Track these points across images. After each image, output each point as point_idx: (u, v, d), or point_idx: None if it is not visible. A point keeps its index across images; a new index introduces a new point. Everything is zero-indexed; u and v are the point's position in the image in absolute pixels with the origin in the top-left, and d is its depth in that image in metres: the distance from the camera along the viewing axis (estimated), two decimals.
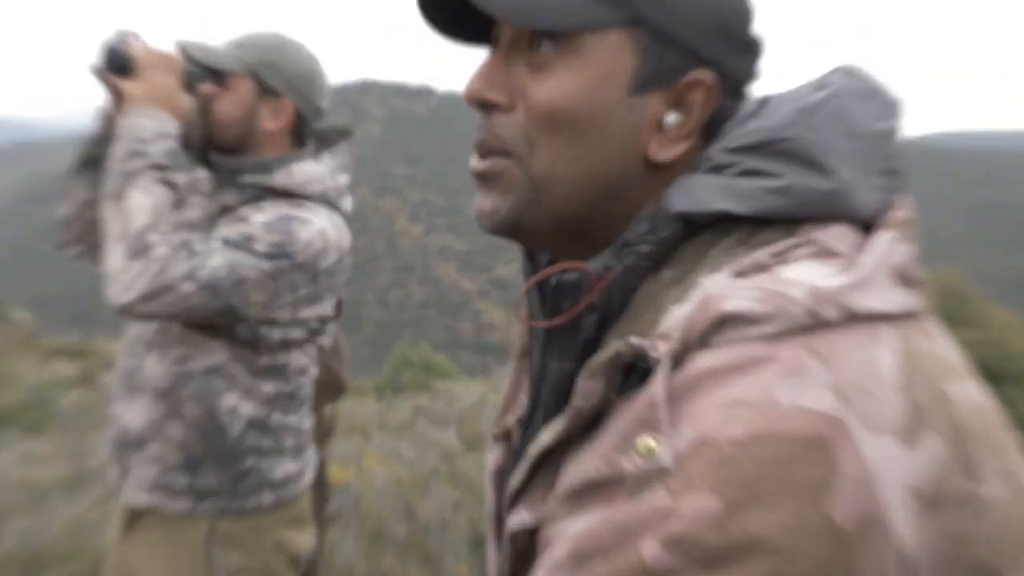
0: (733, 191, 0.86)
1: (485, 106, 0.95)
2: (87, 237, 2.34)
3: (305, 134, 2.35)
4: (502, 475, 1.10)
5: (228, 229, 2.09)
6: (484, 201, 0.97)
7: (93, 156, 2.26)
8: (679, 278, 0.87)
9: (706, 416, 0.72)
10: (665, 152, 0.92)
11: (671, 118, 0.92)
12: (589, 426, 0.83)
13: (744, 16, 0.94)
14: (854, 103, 0.91)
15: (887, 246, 0.82)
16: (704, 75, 0.91)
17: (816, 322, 0.75)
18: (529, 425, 1.02)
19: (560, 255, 1.01)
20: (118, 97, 2.16)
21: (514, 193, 0.94)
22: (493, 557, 1.05)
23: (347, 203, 2.38)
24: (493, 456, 1.13)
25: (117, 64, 2.12)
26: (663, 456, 0.72)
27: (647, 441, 0.74)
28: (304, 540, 2.35)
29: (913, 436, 0.72)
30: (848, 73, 0.95)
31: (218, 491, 2.21)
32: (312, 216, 2.18)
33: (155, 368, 2.22)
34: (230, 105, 2.23)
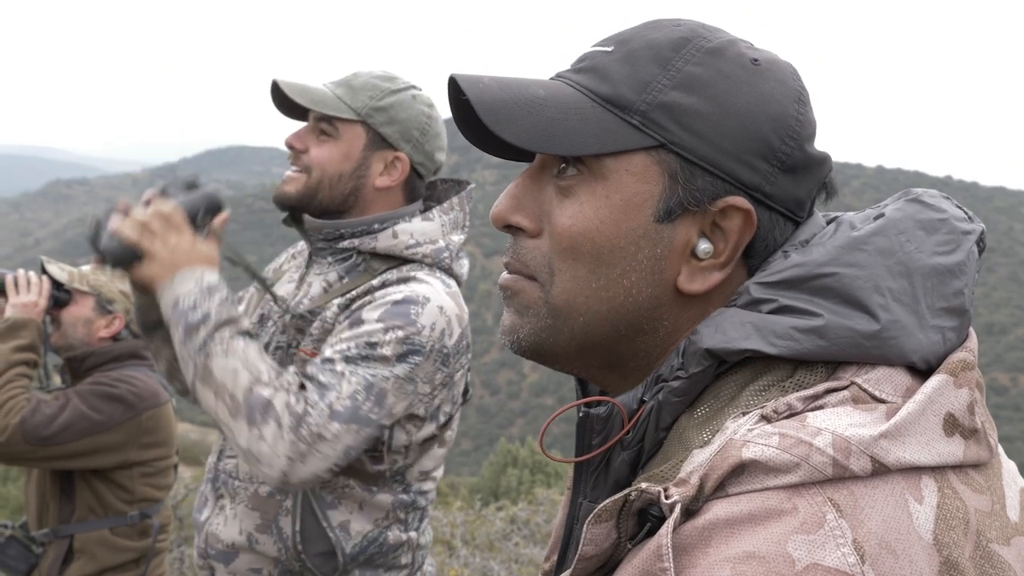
0: (765, 329, 0.95)
1: (512, 228, 1.07)
2: None
3: (419, 191, 2.42)
4: None
5: (343, 343, 2.18)
6: (505, 317, 1.09)
7: (152, 321, 2.36)
8: (709, 418, 0.96)
9: (715, 571, 0.81)
10: (697, 283, 1.02)
11: (703, 246, 1.01)
12: (607, 572, 0.91)
13: (794, 134, 1.02)
14: (913, 235, 0.99)
15: (937, 392, 0.91)
16: (738, 199, 1.00)
17: (842, 474, 0.84)
18: (560, 565, 1.14)
19: (598, 383, 1.11)
20: (142, 286, 2.25)
21: (532, 316, 1.06)
22: None
23: (462, 266, 2.44)
24: None
25: (123, 258, 2.20)
26: None
27: None
28: None
29: None
30: (912, 200, 1.04)
31: None
32: (425, 289, 2.24)
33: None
34: (338, 155, 2.31)
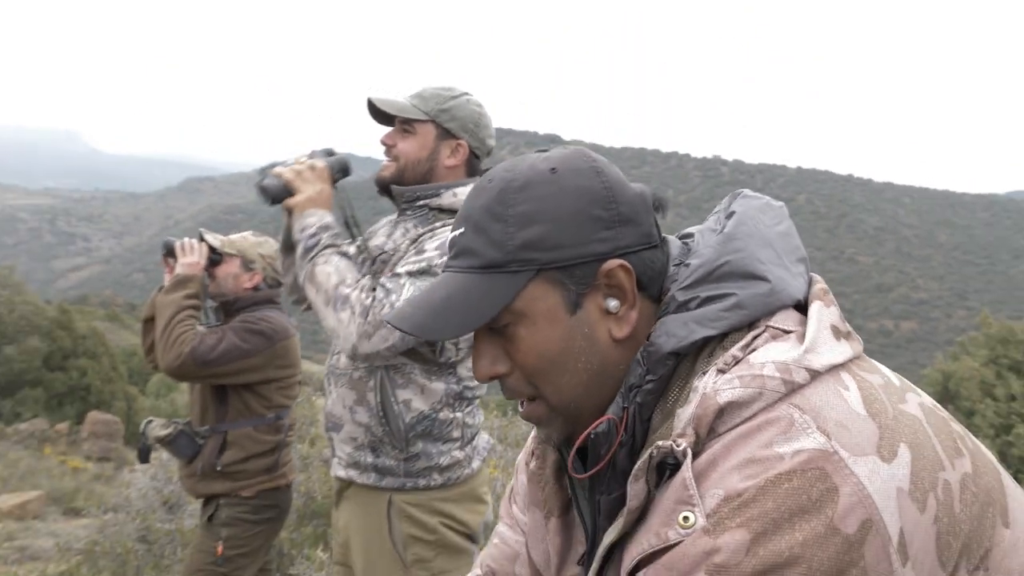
0: (702, 320, 0.99)
1: (495, 377, 1.09)
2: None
3: (477, 169, 2.55)
4: None
5: (409, 263, 2.30)
6: (539, 432, 1.12)
7: (290, 241, 2.53)
8: (682, 389, 0.99)
9: (726, 477, 0.87)
10: (625, 328, 1.03)
11: (612, 304, 1.03)
12: (638, 519, 0.95)
13: (610, 199, 1.03)
14: (758, 218, 1.05)
15: (820, 314, 0.98)
16: (610, 263, 1.01)
17: (792, 387, 0.90)
18: (594, 553, 1.09)
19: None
20: (290, 212, 2.45)
21: (552, 423, 1.07)
22: None
23: None
24: None
25: (278, 193, 2.42)
26: (699, 520, 0.86)
27: (685, 514, 0.87)
28: (474, 518, 2.52)
29: (888, 450, 0.88)
30: (743, 196, 1.10)
31: (395, 470, 2.42)
32: None
33: (348, 362, 2.46)
34: (417, 146, 2.44)
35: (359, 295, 2.23)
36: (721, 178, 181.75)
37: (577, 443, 1.04)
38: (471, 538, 2.52)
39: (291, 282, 2.66)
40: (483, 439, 2.62)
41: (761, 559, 0.83)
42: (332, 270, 2.28)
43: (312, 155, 2.51)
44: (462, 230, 1.06)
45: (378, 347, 2.21)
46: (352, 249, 2.39)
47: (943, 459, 0.93)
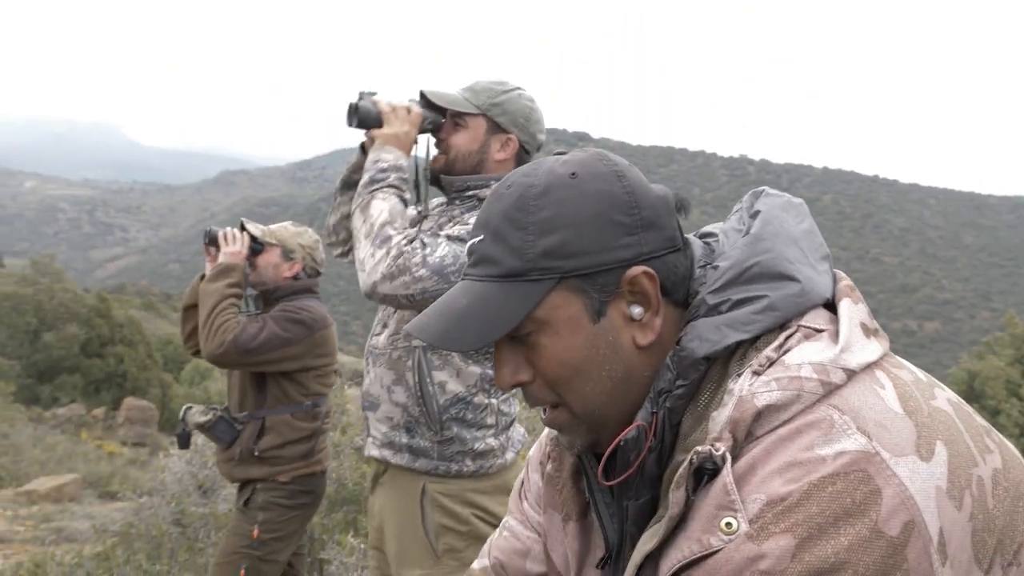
0: (735, 323, 0.95)
1: (518, 385, 1.04)
2: (348, 240, 2.62)
3: (526, 163, 2.50)
4: None
5: (450, 229, 2.29)
6: (562, 439, 1.07)
7: (352, 180, 2.52)
8: (714, 393, 0.95)
9: (768, 482, 0.84)
10: (649, 335, 0.99)
11: (636, 311, 0.98)
12: (676, 526, 0.91)
13: (631, 204, 0.98)
14: (783, 217, 1.02)
15: (849, 312, 0.96)
16: (633, 270, 0.97)
17: (830, 388, 0.88)
18: (618, 558, 1.07)
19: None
20: (370, 140, 2.43)
21: (575, 430, 1.03)
22: None
23: None
24: None
25: (368, 119, 2.41)
26: (742, 526, 0.83)
27: (728, 520, 0.84)
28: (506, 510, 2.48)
29: (927, 449, 0.86)
30: (766, 195, 1.06)
31: (428, 452, 2.38)
32: None
33: (387, 342, 2.45)
34: (468, 139, 2.40)
35: (400, 239, 2.21)
36: (747, 177, 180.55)
37: (608, 451, 1.00)
38: None
39: (334, 222, 2.63)
40: (518, 431, 2.58)
41: (807, 565, 0.81)
42: (387, 208, 2.27)
43: (412, 100, 2.47)
44: (481, 237, 1.02)
45: (397, 291, 2.19)
46: (412, 208, 2.38)
47: (975, 455, 0.90)
